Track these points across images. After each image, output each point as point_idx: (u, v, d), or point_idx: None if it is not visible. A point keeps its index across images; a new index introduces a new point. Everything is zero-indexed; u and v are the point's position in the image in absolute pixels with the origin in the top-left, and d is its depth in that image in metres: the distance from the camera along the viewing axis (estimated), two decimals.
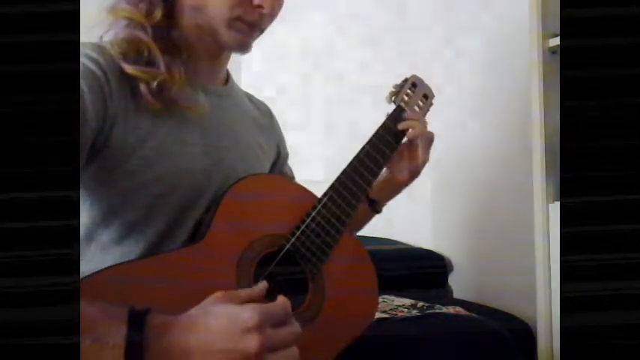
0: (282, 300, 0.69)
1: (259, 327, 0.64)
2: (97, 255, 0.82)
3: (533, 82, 1.29)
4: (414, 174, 1.05)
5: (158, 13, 0.85)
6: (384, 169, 1.01)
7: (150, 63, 0.83)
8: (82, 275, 0.72)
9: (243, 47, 0.90)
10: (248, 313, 0.65)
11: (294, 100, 2.23)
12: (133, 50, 0.82)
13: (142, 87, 0.81)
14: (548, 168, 1.27)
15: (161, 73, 0.82)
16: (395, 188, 1.07)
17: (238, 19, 0.86)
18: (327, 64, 2.29)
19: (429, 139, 1.03)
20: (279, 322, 0.67)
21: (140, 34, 0.83)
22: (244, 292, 0.71)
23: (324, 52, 2.32)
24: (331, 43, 2.28)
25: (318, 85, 2.32)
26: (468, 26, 1.72)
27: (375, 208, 1.07)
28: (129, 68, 0.81)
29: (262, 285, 0.72)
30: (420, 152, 1.02)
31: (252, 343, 0.64)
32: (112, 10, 0.86)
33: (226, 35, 0.87)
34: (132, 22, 0.84)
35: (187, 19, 0.88)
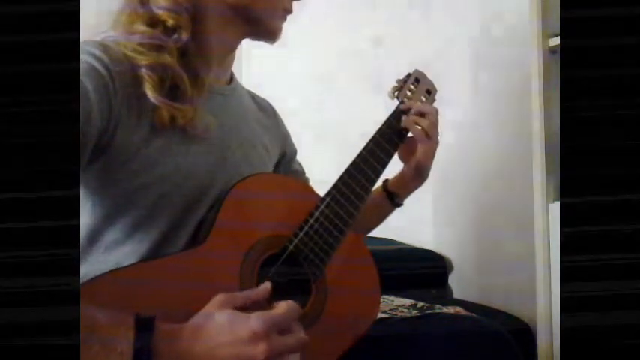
0: (289, 305, 0.70)
1: (266, 334, 0.65)
2: (100, 255, 0.82)
3: (534, 82, 1.29)
4: (421, 166, 1.04)
5: (185, 35, 0.83)
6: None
7: (173, 88, 0.81)
8: (86, 277, 0.73)
9: (281, 34, 0.93)
10: (255, 321, 0.65)
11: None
12: (160, 77, 0.80)
13: (165, 115, 0.80)
14: (548, 168, 1.27)
15: (192, 111, 0.81)
16: (409, 182, 1.07)
17: (285, 10, 0.91)
18: (328, 64, 2.29)
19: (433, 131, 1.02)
20: (285, 329, 0.68)
21: (168, 60, 0.81)
22: (246, 294, 0.71)
23: (325, 52, 2.32)
24: (332, 41, 2.28)
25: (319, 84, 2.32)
26: (468, 26, 1.72)
27: (396, 201, 1.07)
28: (158, 100, 0.79)
29: (265, 286, 0.72)
30: (418, 145, 1.02)
31: (259, 350, 0.64)
32: (130, 26, 0.83)
33: (277, 26, 0.92)
34: (157, 46, 0.81)
35: (214, 20, 0.87)
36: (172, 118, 0.81)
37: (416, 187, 1.08)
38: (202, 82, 0.85)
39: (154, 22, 0.83)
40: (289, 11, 0.93)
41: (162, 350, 0.64)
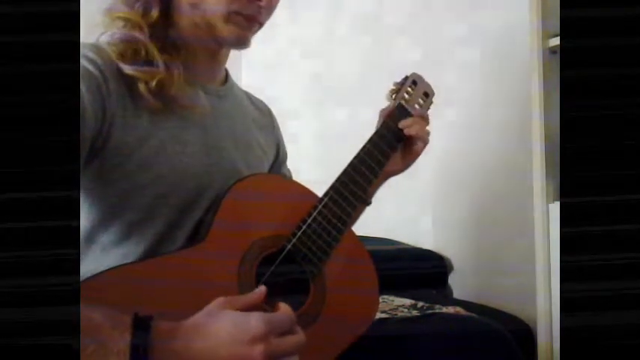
0: (285, 309, 0.70)
1: (265, 336, 0.65)
2: (97, 256, 0.82)
3: (533, 82, 1.29)
4: (406, 168, 1.06)
5: (155, 13, 0.85)
6: None
7: (148, 63, 0.82)
8: (82, 277, 0.72)
9: (242, 42, 0.88)
10: (255, 322, 0.65)
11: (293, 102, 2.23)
12: (130, 50, 0.82)
13: (141, 87, 0.81)
14: (548, 168, 1.27)
15: (159, 72, 0.81)
16: (383, 179, 1.06)
17: (237, 12, 0.85)
18: (326, 67, 2.29)
19: (426, 136, 1.03)
20: (284, 331, 0.68)
21: (137, 34, 0.83)
22: (245, 298, 0.71)
23: (323, 53, 2.32)
24: (330, 41, 2.28)
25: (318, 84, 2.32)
26: (468, 26, 1.72)
27: (368, 202, 1.07)
28: (127, 69, 0.81)
29: (261, 289, 0.72)
30: (415, 149, 1.03)
31: (257, 352, 0.64)
32: (108, 11, 0.86)
33: (225, 30, 0.85)
34: (128, 23, 0.84)
35: (184, 16, 0.87)
36: (149, 87, 0.81)
37: (382, 183, 1.08)
38: (180, 54, 0.85)
39: (129, 3, 0.85)
40: (248, 16, 0.86)
41: (159, 349, 0.64)
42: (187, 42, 0.88)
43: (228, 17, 0.85)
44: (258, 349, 0.64)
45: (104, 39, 0.84)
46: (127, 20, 0.84)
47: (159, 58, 0.82)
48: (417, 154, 1.04)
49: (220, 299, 0.69)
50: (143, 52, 0.82)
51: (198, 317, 0.68)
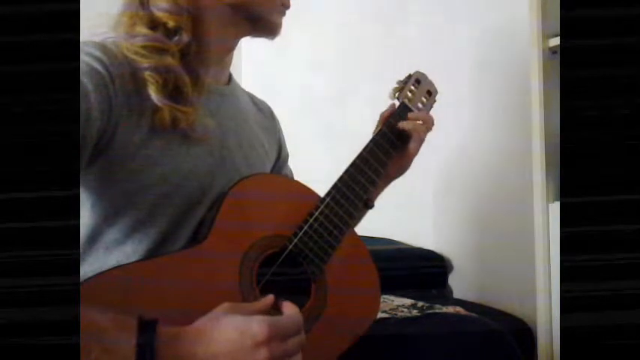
0: (292, 312, 0.70)
1: (268, 341, 0.65)
2: (100, 255, 0.82)
3: (533, 82, 1.29)
4: (404, 169, 1.05)
5: (187, 36, 0.83)
6: None
7: (176, 91, 0.81)
8: (85, 276, 0.72)
9: (281, 29, 0.94)
10: (258, 327, 0.65)
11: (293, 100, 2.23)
12: (164, 79, 0.80)
13: (167, 117, 0.80)
14: (548, 168, 1.27)
15: (193, 112, 0.82)
16: (385, 182, 1.06)
17: (283, 4, 0.92)
18: (324, 64, 2.29)
19: (422, 133, 1.02)
20: (290, 334, 0.68)
21: (170, 62, 0.81)
22: (251, 306, 0.71)
23: (321, 50, 2.32)
24: (330, 41, 2.28)
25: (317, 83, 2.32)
26: (468, 26, 1.72)
27: (367, 203, 1.07)
28: (162, 101, 0.80)
29: (268, 299, 0.72)
30: (411, 148, 1.01)
31: (261, 357, 0.64)
32: (131, 28, 0.83)
33: (277, 21, 0.92)
34: (159, 48, 0.82)
35: (214, 22, 0.88)
36: (174, 120, 0.81)
37: (385, 187, 1.07)
38: (202, 82, 0.85)
39: (154, 23, 0.84)
40: (287, 6, 0.93)
41: (164, 353, 0.64)
42: (206, 50, 0.87)
43: (280, 9, 0.92)
44: (262, 353, 0.64)
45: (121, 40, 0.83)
46: (161, 50, 0.82)
47: (190, 96, 0.82)
48: (413, 152, 1.02)
49: (225, 304, 0.70)
50: (172, 78, 0.81)
51: (202, 322, 0.68)
